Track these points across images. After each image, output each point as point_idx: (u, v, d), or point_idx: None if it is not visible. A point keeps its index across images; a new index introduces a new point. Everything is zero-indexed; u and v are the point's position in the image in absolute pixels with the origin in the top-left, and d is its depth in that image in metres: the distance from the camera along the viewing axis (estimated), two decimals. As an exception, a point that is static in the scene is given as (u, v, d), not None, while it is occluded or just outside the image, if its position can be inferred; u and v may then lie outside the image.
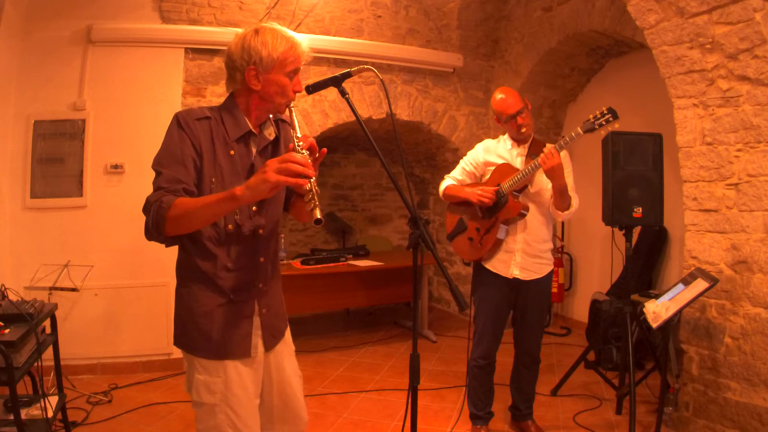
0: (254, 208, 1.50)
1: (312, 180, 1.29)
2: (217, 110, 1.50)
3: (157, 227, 1.32)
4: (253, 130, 1.51)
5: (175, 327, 1.53)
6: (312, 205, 1.29)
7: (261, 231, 1.52)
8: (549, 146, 2.39)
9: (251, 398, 1.51)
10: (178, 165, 1.38)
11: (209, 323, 1.46)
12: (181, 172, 1.38)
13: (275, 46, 1.42)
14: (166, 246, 1.42)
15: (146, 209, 1.34)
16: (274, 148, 1.56)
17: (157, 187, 1.36)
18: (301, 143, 1.37)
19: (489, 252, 2.59)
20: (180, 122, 1.42)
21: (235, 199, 1.26)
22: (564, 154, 2.51)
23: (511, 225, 2.57)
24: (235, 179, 1.44)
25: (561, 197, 2.44)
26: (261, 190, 1.25)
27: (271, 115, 1.56)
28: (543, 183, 2.58)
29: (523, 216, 2.54)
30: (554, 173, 2.35)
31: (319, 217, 1.28)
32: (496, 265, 2.59)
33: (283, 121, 1.63)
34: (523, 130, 2.55)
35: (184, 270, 1.51)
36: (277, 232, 1.61)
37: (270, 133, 1.55)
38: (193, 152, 1.41)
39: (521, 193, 2.56)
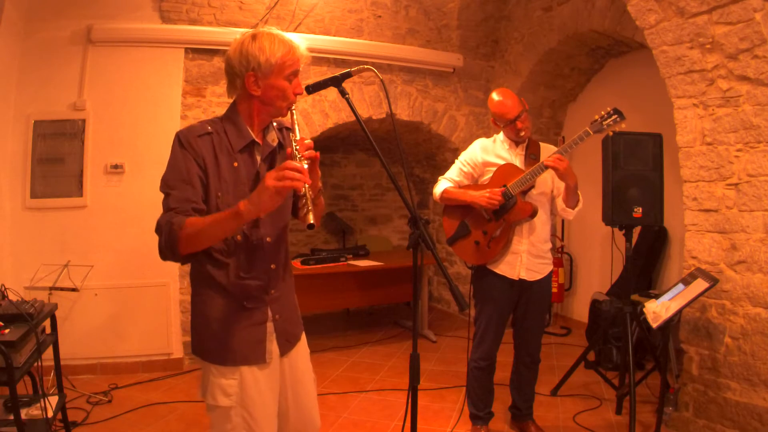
0: (262, 216, 1.51)
1: (306, 186, 1.30)
2: (220, 122, 1.50)
3: (171, 248, 1.34)
4: (256, 139, 1.51)
5: (192, 334, 1.55)
6: (305, 210, 1.31)
7: (268, 239, 1.52)
8: (552, 156, 2.39)
9: (267, 402, 1.51)
10: (185, 184, 1.40)
11: (224, 331, 1.47)
12: (188, 191, 1.39)
13: (273, 51, 1.42)
14: (182, 264, 1.44)
15: (158, 231, 1.36)
16: (278, 154, 1.57)
17: (167, 208, 1.38)
18: (298, 147, 1.38)
19: (498, 255, 2.56)
20: (182, 141, 1.44)
21: (240, 215, 1.28)
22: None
23: (517, 226, 2.56)
24: (241, 190, 1.46)
25: (573, 195, 2.49)
26: (263, 201, 1.27)
27: (274, 123, 1.57)
28: (546, 184, 2.58)
29: (533, 217, 2.52)
30: (567, 174, 2.39)
31: (311, 222, 1.30)
32: (502, 267, 2.56)
33: (288, 129, 1.63)
34: (522, 134, 2.54)
35: (198, 279, 1.52)
36: (285, 238, 1.61)
37: (273, 138, 1.56)
38: (198, 170, 1.42)
39: (526, 195, 2.55)
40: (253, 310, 1.50)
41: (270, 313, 1.53)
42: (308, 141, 1.42)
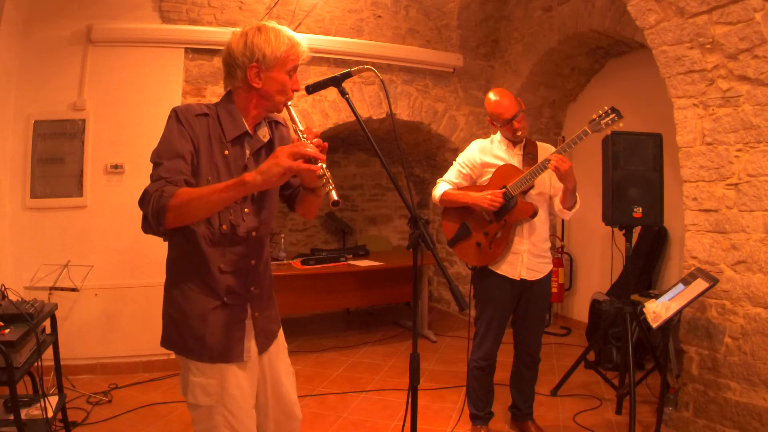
0: (247, 210, 1.50)
1: (324, 166, 1.29)
2: (215, 108, 1.49)
3: (157, 217, 1.28)
4: (249, 131, 1.51)
5: (165, 328, 1.50)
6: (328, 188, 1.30)
7: (254, 233, 1.52)
8: (556, 155, 2.38)
9: (247, 399, 1.51)
10: (178, 158, 1.37)
11: (203, 327, 1.44)
12: (181, 164, 1.37)
13: (278, 44, 1.43)
14: (164, 239, 1.42)
15: (145, 200, 1.31)
16: (267, 151, 1.55)
17: (156, 177, 1.34)
18: (305, 135, 1.38)
19: (500, 256, 2.56)
20: (179, 117, 1.41)
21: (245, 184, 1.26)
22: None
23: (518, 227, 2.56)
24: (228, 179, 1.42)
25: (571, 197, 2.49)
26: (272, 174, 1.25)
27: (265, 117, 1.57)
28: (545, 184, 2.58)
29: (534, 217, 2.52)
30: (568, 176, 2.38)
31: (336, 198, 1.28)
32: (504, 267, 2.56)
33: (278, 123, 1.63)
34: (519, 133, 2.55)
35: (177, 269, 1.49)
36: (268, 236, 1.61)
37: (264, 134, 1.55)
38: (191, 148, 1.40)
39: (525, 195, 2.55)
40: (233, 306, 1.48)
41: (250, 311, 1.53)
42: (315, 130, 1.42)
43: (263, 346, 1.57)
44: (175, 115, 1.42)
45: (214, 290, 1.46)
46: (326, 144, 1.41)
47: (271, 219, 1.59)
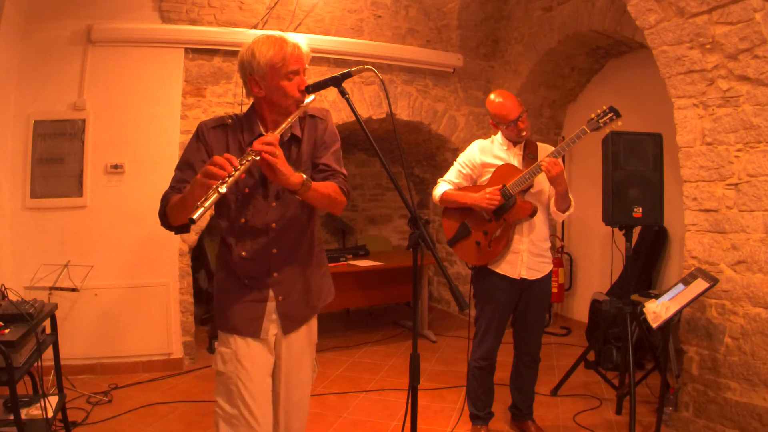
0: (273, 204, 1.60)
1: (220, 181, 1.32)
2: (241, 116, 1.65)
3: (162, 217, 1.56)
4: (264, 133, 1.59)
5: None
6: (197, 204, 1.33)
7: (273, 225, 1.61)
8: (548, 159, 2.39)
9: (261, 374, 1.62)
10: (188, 168, 1.58)
11: (226, 301, 1.65)
12: (188, 174, 1.56)
13: (261, 54, 1.51)
14: (176, 233, 1.60)
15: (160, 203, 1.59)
16: (296, 147, 1.63)
17: (169, 185, 1.60)
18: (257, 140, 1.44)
19: (499, 255, 2.56)
20: (198, 131, 1.62)
21: (195, 179, 1.39)
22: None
23: (517, 225, 2.56)
24: (248, 179, 1.57)
25: (563, 200, 2.50)
26: (194, 185, 1.37)
27: (304, 113, 1.64)
28: (543, 183, 2.58)
29: (533, 216, 2.53)
30: (559, 180, 2.40)
31: (192, 216, 1.31)
32: (503, 266, 2.57)
33: (312, 116, 1.68)
34: (524, 133, 2.55)
35: (217, 258, 1.74)
36: (299, 227, 1.67)
37: (286, 133, 1.61)
38: (204, 156, 1.57)
39: (525, 194, 2.55)
40: (252, 288, 1.63)
41: (272, 294, 1.64)
42: (272, 137, 1.44)
43: (287, 329, 1.67)
44: (196, 129, 1.63)
45: (237, 274, 1.63)
46: (266, 154, 1.40)
47: (294, 212, 1.64)
